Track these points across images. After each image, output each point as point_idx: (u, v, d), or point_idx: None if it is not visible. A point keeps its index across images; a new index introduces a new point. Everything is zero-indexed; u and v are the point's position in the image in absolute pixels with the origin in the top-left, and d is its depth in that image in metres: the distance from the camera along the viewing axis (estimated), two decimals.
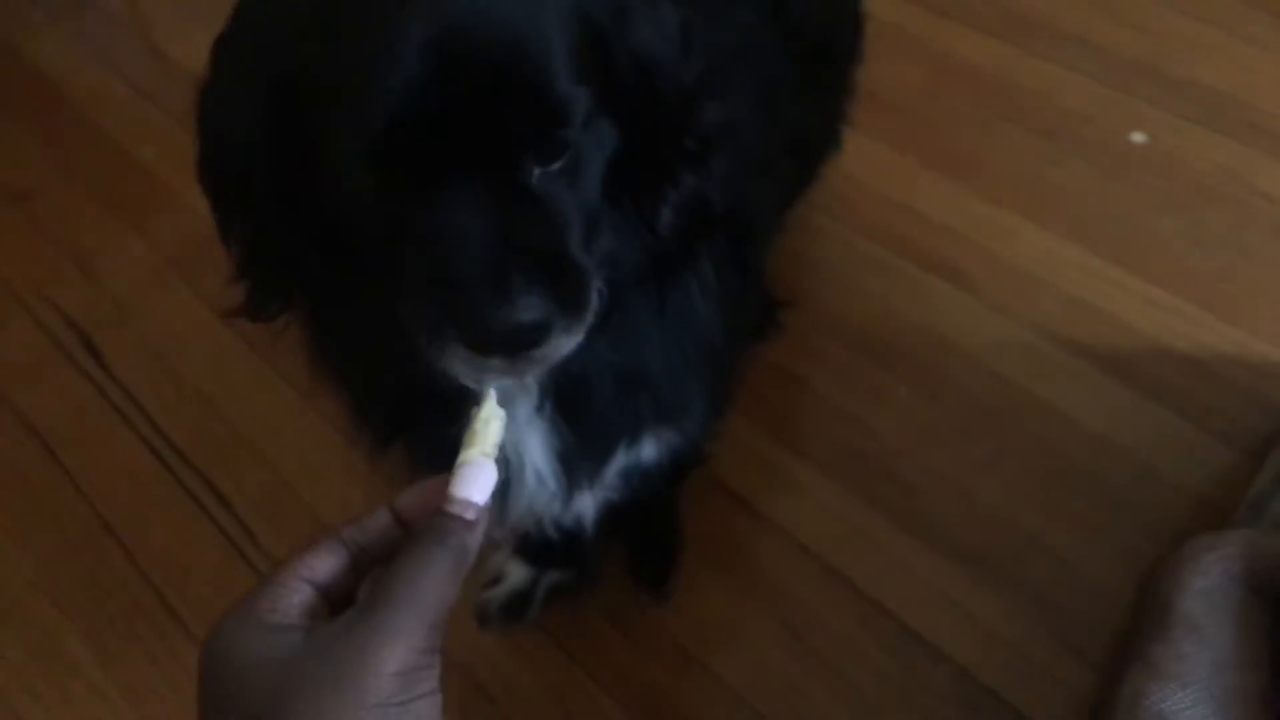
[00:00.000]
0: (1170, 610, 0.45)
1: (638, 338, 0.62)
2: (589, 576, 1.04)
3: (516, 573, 1.02)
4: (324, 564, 0.40)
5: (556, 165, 0.50)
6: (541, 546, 1.01)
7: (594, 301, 0.52)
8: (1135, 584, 1.00)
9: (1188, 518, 1.04)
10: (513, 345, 0.48)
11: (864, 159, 1.41)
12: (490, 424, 0.43)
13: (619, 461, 0.72)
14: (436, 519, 0.40)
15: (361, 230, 0.53)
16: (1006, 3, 1.61)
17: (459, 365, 0.50)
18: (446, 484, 0.41)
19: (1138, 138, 1.40)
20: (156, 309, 1.35)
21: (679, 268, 0.60)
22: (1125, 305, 1.22)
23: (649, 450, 0.72)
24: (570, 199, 0.52)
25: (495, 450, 0.43)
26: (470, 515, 0.40)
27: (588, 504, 0.76)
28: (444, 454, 0.45)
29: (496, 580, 1.03)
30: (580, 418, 0.67)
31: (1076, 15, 1.56)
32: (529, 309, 0.47)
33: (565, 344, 0.50)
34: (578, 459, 0.69)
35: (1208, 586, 0.45)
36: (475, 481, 0.40)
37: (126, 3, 1.82)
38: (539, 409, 0.65)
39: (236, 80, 0.53)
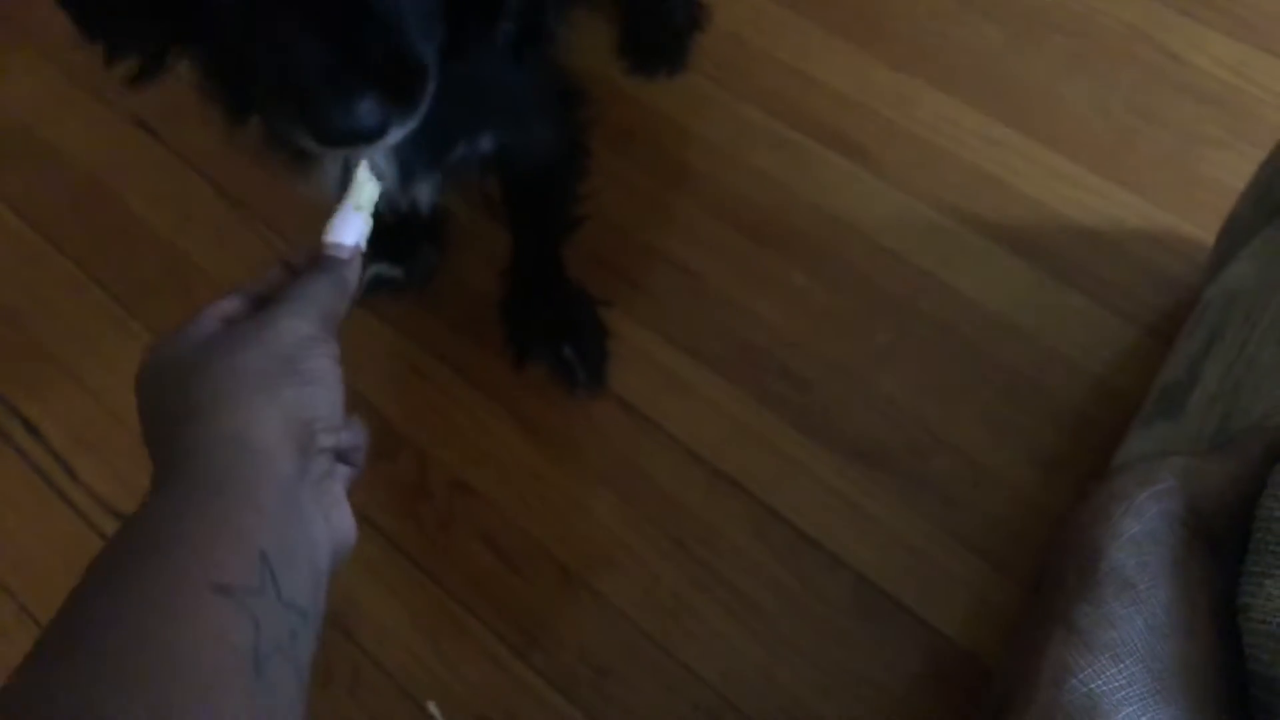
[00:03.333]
0: (1099, 560, 0.38)
1: (478, 59, 0.64)
2: (417, 278, 1.08)
3: None
4: (231, 305, 0.46)
5: None
6: (374, 238, 1.02)
7: (430, 89, 0.55)
8: (1040, 478, 0.95)
9: (1093, 403, 0.99)
10: (353, 141, 0.52)
11: (755, 19, 1.28)
12: (365, 184, 0.51)
13: (458, 152, 0.78)
14: (316, 258, 0.49)
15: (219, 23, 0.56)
16: None
17: (303, 144, 0.54)
18: None
19: None
20: None
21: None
22: (1028, 176, 1.15)
23: (486, 143, 0.79)
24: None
25: (369, 205, 0.51)
26: (344, 255, 0.49)
27: (426, 190, 0.81)
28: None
29: None
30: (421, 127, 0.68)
31: None
32: (368, 114, 0.51)
33: (401, 133, 0.54)
34: (415, 154, 0.73)
35: (1142, 532, 0.38)
36: (345, 228, 0.49)
37: None
38: None
39: None
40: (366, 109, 0.51)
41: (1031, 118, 1.18)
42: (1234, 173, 1.09)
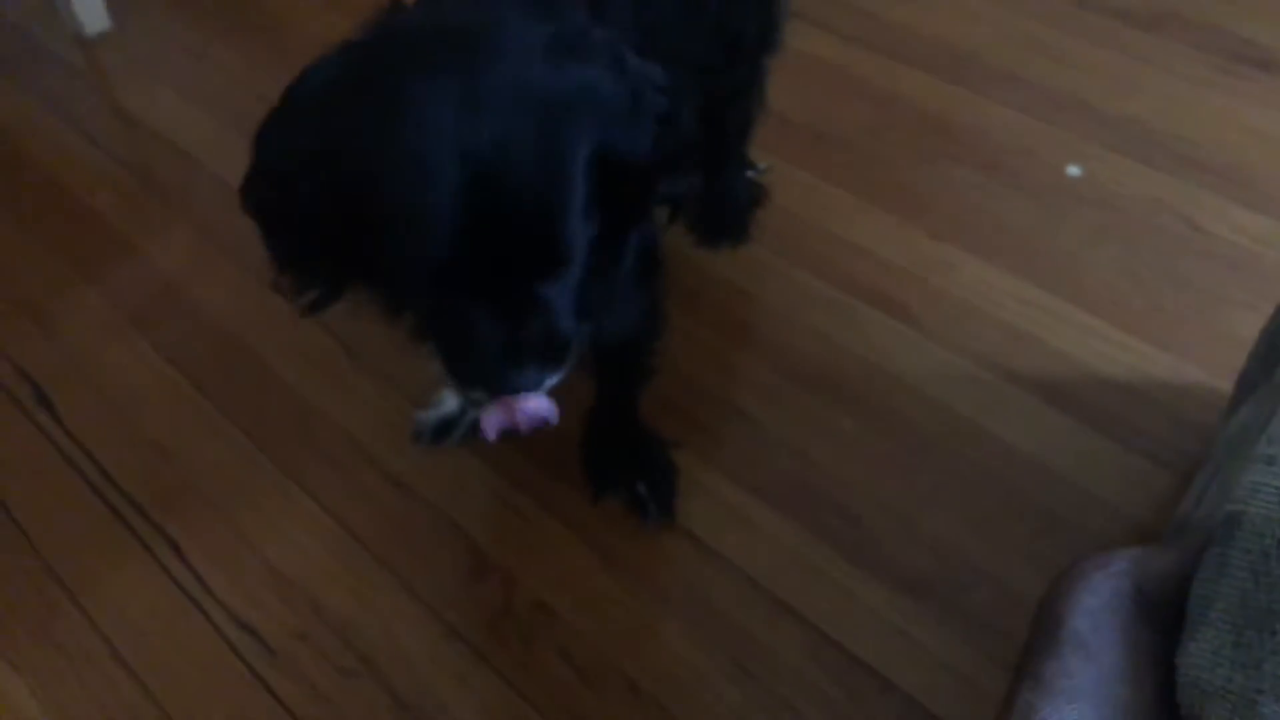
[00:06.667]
0: (1060, 627, 0.47)
1: (599, 290, 0.78)
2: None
3: (450, 402, 1.21)
4: None
5: (555, 281, 0.70)
6: None
7: (575, 353, 0.73)
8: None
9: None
10: (515, 394, 0.74)
11: (810, 196, 1.45)
12: None
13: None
14: None
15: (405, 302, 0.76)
16: (951, 42, 1.67)
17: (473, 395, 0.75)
18: None
19: (1073, 171, 1.44)
20: (111, 361, 1.35)
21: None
22: (1062, 334, 1.26)
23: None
24: (565, 290, 0.70)
25: None
26: None
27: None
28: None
29: (434, 406, 1.22)
30: None
31: (1015, 54, 1.62)
32: (529, 379, 0.71)
33: (552, 383, 0.74)
34: None
35: (1096, 605, 0.47)
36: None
37: (84, 57, 1.84)
38: None
39: (290, 161, 0.69)
40: (528, 376, 0.70)
41: (1063, 282, 1.30)
42: (1255, 330, 1.18)
